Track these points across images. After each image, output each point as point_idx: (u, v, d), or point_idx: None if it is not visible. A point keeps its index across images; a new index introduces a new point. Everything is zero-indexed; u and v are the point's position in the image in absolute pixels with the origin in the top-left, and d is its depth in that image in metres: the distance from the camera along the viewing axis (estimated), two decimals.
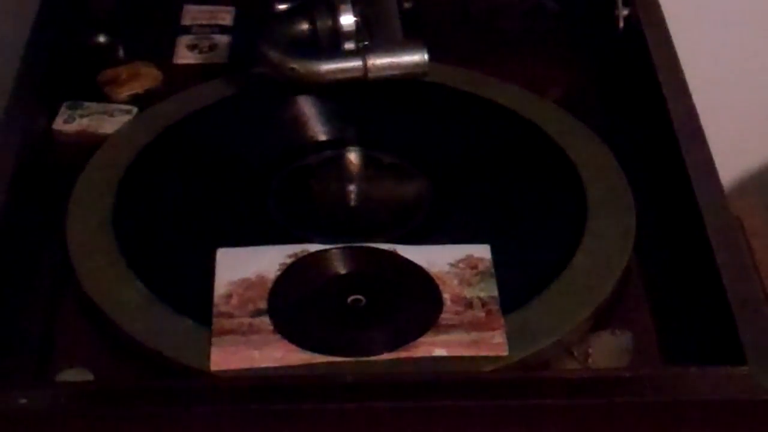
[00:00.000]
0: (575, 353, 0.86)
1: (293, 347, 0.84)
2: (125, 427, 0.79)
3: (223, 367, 0.83)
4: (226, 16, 1.19)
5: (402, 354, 0.83)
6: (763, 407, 0.78)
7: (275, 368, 0.83)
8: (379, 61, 1.01)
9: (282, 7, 1.06)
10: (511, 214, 0.97)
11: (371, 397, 0.78)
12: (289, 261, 0.90)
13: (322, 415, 0.78)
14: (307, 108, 1.07)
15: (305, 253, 0.90)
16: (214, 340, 0.84)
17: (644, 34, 1.08)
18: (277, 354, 0.83)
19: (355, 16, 1.03)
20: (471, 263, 0.90)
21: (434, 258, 0.90)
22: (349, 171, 1.01)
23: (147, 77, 1.11)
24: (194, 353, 0.84)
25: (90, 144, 1.03)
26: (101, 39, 1.16)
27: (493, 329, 0.85)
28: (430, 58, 1.02)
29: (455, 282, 0.88)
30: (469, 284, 0.88)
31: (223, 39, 1.17)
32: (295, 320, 0.86)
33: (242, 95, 1.08)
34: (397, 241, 0.92)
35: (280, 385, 0.80)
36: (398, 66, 1.01)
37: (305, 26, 1.04)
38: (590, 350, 0.86)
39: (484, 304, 0.87)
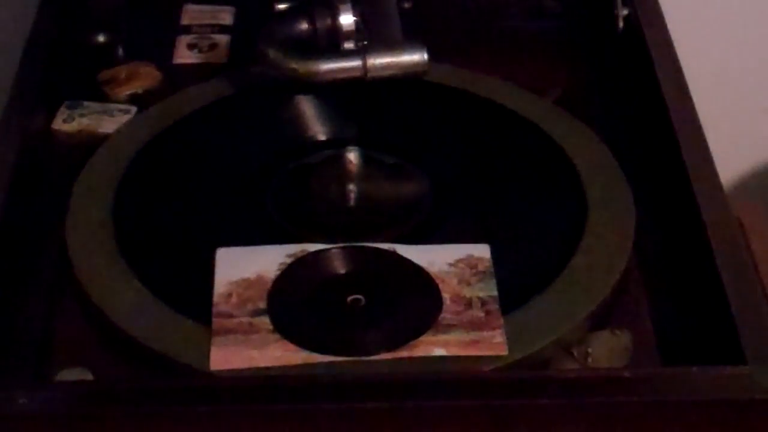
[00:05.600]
0: (575, 353, 0.86)
1: (293, 347, 0.84)
2: (125, 427, 0.79)
3: (223, 366, 0.83)
4: (226, 16, 1.20)
5: (402, 354, 0.83)
6: (763, 407, 0.78)
7: (275, 368, 0.83)
8: (379, 61, 1.01)
9: (282, 7, 1.06)
10: (511, 214, 0.97)
11: (371, 397, 0.78)
12: (288, 261, 0.90)
13: (322, 415, 0.78)
14: (307, 108, 1.07)
15: (305, 253, 0.90)
16: (213, 339, 0.84)
17: (644, 34, 1.08)
18: (276, 354, 0.83)
19: (354, 16, 1.03)
20: (471, 263, 0.90)
21: (434, 258, 0.90)
22: (349, 171, 1.01)
23: (147, 77, 1.11)
24: (194, 353, 0.84)
25: (90, 144, 1.03)
26: (101, 39, 1.16)
27: (493, 329, 0.85)
28: (430, 58, 1.02)
29: (455, 282, 0.88)
30: (469, 284, 0.88)
31: (223, 39, 1.17)
32: (295, 320, 0.86)
33: (242, 95, 1.08)
34: (397, 241, 0.92)
35: (279, 385, 0.80)
36: (398, 66, 1.01)
37: (305, 26, 1.04)
38: (590, 350, 0.86)
39: (483, 304, 0.87)
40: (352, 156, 1.02)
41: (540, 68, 1.13)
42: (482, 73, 1.10)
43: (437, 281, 0.88)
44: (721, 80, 1.46)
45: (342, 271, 0.90)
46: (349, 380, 0.80)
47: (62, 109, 1.08)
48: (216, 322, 0.85)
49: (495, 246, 0.91)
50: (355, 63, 1.01)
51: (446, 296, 0.87)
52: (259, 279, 0.89)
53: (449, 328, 0.85)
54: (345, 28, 1.03)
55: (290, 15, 1.05)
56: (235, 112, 1.07)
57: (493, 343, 0.84)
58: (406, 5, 1.10)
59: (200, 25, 1.19)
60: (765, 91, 1.51)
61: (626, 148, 1.02)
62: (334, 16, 1.03)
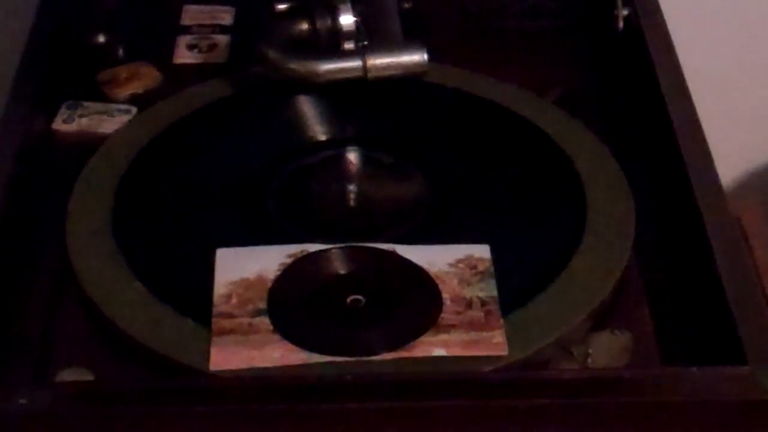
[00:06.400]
0: (575, 353, 0.86)
1: (293, 347, 0.84)
2: (125, 427, 0.79)
3: (223, 367, 0.83)
4: (226, 16, 1.20)
5: (402, 354, 0.83)
6: (763, 407, 0.78)
7: (275, 368, 0.83)
8: (379, 61, 1.01)
9: (282, 7, 1.06)
10: (511, 214, 0.97)
11: (371, 397, 0.78)
12: (288, 261, 0.90)
13: (322, 415, 0.78)
14: (307, 108, 1.07)
15: (305, 253, 0.90)
16: (213, 340, 0.84)
17: (644, 34, 1.08)
18: (276, 354, 0.83)
19: (354, 16, 1.03)
20: (471, 263, 0.90)
21: (434, 258, 0.90)
22: (349, 171, 1.01)
23: (146, 77, 1.11)
24: (194, 353, 0.84)
25: (90, 144, 1.03)
26: (101, 39, 1.16)
27: (493, 329, 0.85)
28: (430, 58, 1.02)
29: (455, 282, 0.88)
30: (469, 284, 0.88)
31: (223, 39, 1.17)
32: (295, 320, 0.86)
33: (242, 95, 1.08)
34: (397, 241, 0.92)
35: (279, 385, 0.80)
36: (398, 66, 1.01)
37: (305, 26, 1.04)
38: (590, 350, 0.86)
39: (483, 304, 0.87)
40: (352, 156, 1.02)
41: (540, 68, 1.13)
42: (482, 73, 1.10)
43: (437, 281, 0.88)
44: (721, 80, 1.46)
45: (342, 271, 0.90)
46: (349, 380, 0.80)
47: (62, 109, 1.08)
48: (216, 322, 0.85)
49: (495, 246, 0.91)
50: (355, 63, 1.01)
51: (446, 296, 0.87)
52: (259, 279, 0.89)
53: (449, 328, 0.85)
54: (345, 29, 1.03)
55: (290, 15, 1.05)
56: (235, 113, 1.07)
57: (493, 344, 0.84)
58: (406, 5, 1.10)
59: (200, 26, 1.19)
60: (765, 91, 1.51)
61: (626, 148, 1.02)
62: (334, 16, 1.03)
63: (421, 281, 0.89)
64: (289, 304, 0.87)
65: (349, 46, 1.03)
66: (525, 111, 1.06)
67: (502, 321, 0.86)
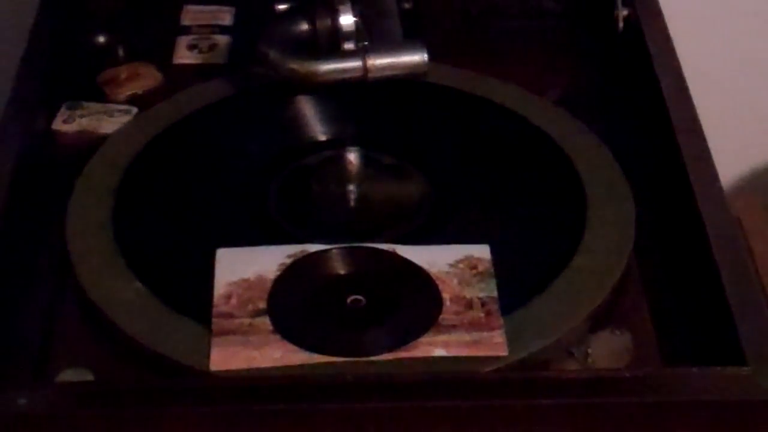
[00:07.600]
0: (575, 353, 0.86)
1: (293, 347, 0.84)
2: (125, 427, 0.79)
3: (223, 367, 0.83)
4: (226, 16, 1.20)
5: (402, 354, 0.83)
6: (763, 407, 0.78)
7: (275, 368, 0.83)
8: (379, 62, 1.01)
9: (282, 7, 1.06)
10: (511, 214, 0.97)
11: (371, 397, 0.78)
12: (288, 261, 0.90)
13: (322, 415, 0.78)
14: (307, 108, 1.07)
15: (305, 254, 0.90)
16: (213, 340, 0.84)
17: (644, 34, 1.08)
18: (276, 354, 0.83)
19: (354, 16, 1.03)
20: (471, 263, 0.90)
21: (434, 258, 0.90)
22: (349, 171, 1.01)
23: (147, 77, 1.11)
24: (194, 353, 0.84)
25: (90, 144, 1.03)
26: (101, 39, 1.16)
27: (493, 329, 0.85)
28: (430, 58, 1.01)
29: (455, 282, 0.88)
30: (469, 284, 0.88)
31: (223, 39, 1.17)
32: (295, 320, 0.86)
33: (242, 95, 1.08)
34: (397, 241, 0.92)
35: (280, 385, 0.80)
36: (398, 66, 1.01)
37: (305, 26, 1.04)
38: (590, 350, 0.86)
39: (483, 304, 0.87)
40: (352, 156, 1.02)
41: (540, 68, 1.13)
42: (482, 73, 1.10)
43: (437, 282, 0.88)
44: (721, 80, 1.46)
45: (342, 271, 0.90)
46: (349, 380, 0.80)
47: (62, 109, 1.08)
48: (216, 322, 0.85)
49: (495, 246, 0.91)
50: (356, 64, 1.01)
51: (446, 297, 0.87)
52: (259, 279, 0.89)
53: (449, 328, 0.85)
54: (345, 29, 1.03)
55: (290, 16, 1.05)
56: (235, 113, 1.07)
57: (494, 344, 0.84)
58: (406, 5, 1.10)
59: (200, 26, 1.19)
60: (765, 91, 1.51)
61: (626, 148, 1.02)
62: (334, 16, 1.03)
63: (421, 281, 0.89)
64: (289, 304, 0.87)
65: (349, 46, 1.03)
66: (525, 111, 1.06)
67: (502, 321, 0.86)
